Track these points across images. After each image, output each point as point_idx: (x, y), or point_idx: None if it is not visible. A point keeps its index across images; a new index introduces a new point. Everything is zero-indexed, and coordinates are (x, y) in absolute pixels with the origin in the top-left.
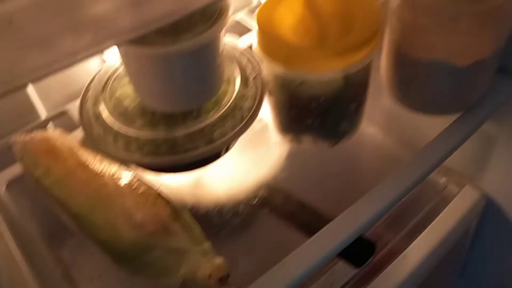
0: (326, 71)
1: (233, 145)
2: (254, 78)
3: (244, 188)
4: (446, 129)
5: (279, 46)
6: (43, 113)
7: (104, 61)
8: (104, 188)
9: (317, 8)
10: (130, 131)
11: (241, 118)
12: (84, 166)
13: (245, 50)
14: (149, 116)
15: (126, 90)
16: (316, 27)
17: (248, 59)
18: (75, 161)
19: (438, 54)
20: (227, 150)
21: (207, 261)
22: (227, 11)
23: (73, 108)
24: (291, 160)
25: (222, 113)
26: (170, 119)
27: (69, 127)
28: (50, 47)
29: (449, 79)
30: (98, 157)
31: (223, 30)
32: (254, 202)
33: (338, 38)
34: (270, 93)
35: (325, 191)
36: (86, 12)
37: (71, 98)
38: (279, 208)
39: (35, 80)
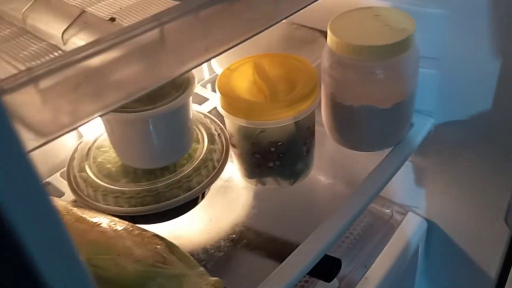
0: (281, 119)
1: (208, 192)
2: (219, 134)
3: (222, 227)
4: (380, 164)
5: (240, 104)
6: None
7: (81, 136)
8: (104, 234)
9: (266, 73)
10: (117, 189)
11: (213, 167)
12: (81, 220)
13: (207, 113)
14: (132, 174)
15: (106, 157)
16: (266, 87)
17: (211, 120)
18: (72, 217)
19: (365, 101)
20: (203, 197)
21: (205, 280)
22: (194, 80)
23: (55, 179)
24: (258, 200)
25: (196, 165)
26: (151, 175)
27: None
28: (100, 99)
29: (376, 119)
30: (91, 213)
31: (191, 97)
32: (234, 237)
33: (286, 94)
34: (234, 146)
35: (289, 222)
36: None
37: (52, 172)
38: (253, 241)
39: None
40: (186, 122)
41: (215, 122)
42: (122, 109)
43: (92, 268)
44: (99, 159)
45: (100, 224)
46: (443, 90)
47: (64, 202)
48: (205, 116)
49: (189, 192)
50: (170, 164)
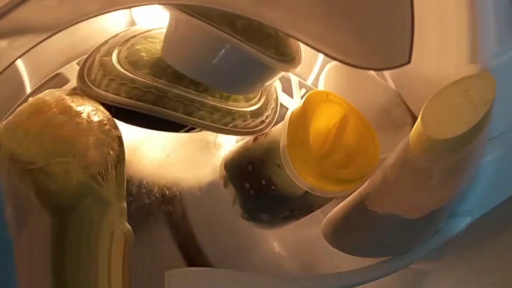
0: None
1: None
2: (269, 122)
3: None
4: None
5: (295, 130)
6: None
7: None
8: (76, 127)
9: (343, 132)
10: (130, 75)
11: (228, 124)
12: (65, 111)
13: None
14: (158, 69)
15: (148, 47)
16: (329, 143)
17: (277, 105)
18: (58, 109)
19: (394, 209)
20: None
21: (121, 223)
22: (299, 60)
23: (69, 67)
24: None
25: (219, 106)
26: (176, 80)
27: None
28: None
29: (396, 231)
30: (81, 101)
31: (283, 72)
32: (166, 195)
33: (333, 164)
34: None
35: None
36: None
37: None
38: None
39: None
40: (259, 79)
41: (275, 110)
42: (207, 20)
43: (44, 177)
44: (138, 46)
45: (81, 113)
46: (499, 179)
47: (60, 91)
48: (277, 98)
49: (184, 115)
50: (205, 84)
